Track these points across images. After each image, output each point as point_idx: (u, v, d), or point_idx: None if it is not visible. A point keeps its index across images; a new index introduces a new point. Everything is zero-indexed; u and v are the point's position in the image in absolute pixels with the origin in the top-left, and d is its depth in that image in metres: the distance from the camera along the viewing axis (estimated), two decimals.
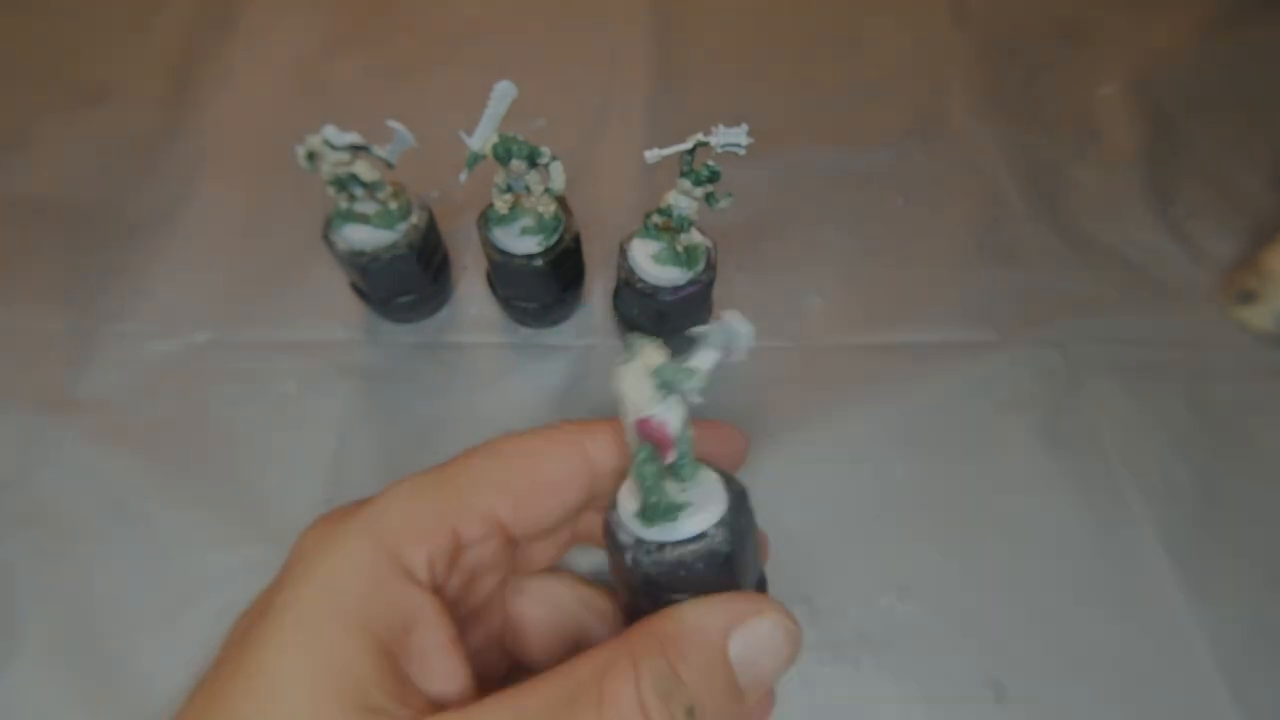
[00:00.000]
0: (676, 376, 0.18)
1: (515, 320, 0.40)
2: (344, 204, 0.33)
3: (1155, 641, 0.32)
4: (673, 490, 0.19)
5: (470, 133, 0.30)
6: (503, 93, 0.29)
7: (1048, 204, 0.46)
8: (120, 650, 0.31)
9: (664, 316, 0.35)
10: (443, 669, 0.17)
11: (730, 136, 0.28)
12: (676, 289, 0.33)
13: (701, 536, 0.19)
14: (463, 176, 0.30)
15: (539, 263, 0.34)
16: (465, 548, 0.19)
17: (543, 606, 0.23)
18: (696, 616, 0.18)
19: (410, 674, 0.17)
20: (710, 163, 0.30)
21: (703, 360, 0.19)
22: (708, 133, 0.28)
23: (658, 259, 0.33)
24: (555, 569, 0.24)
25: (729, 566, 0.19)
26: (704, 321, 0.38)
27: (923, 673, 0.31)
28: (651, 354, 0.18)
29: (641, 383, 0.18)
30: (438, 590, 0.18)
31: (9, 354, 0.38)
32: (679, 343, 0.38)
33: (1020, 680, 0.31)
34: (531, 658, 0.23)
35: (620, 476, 0.21)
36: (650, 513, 0.19)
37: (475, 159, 0.30)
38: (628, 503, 0.20)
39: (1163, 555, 0.34)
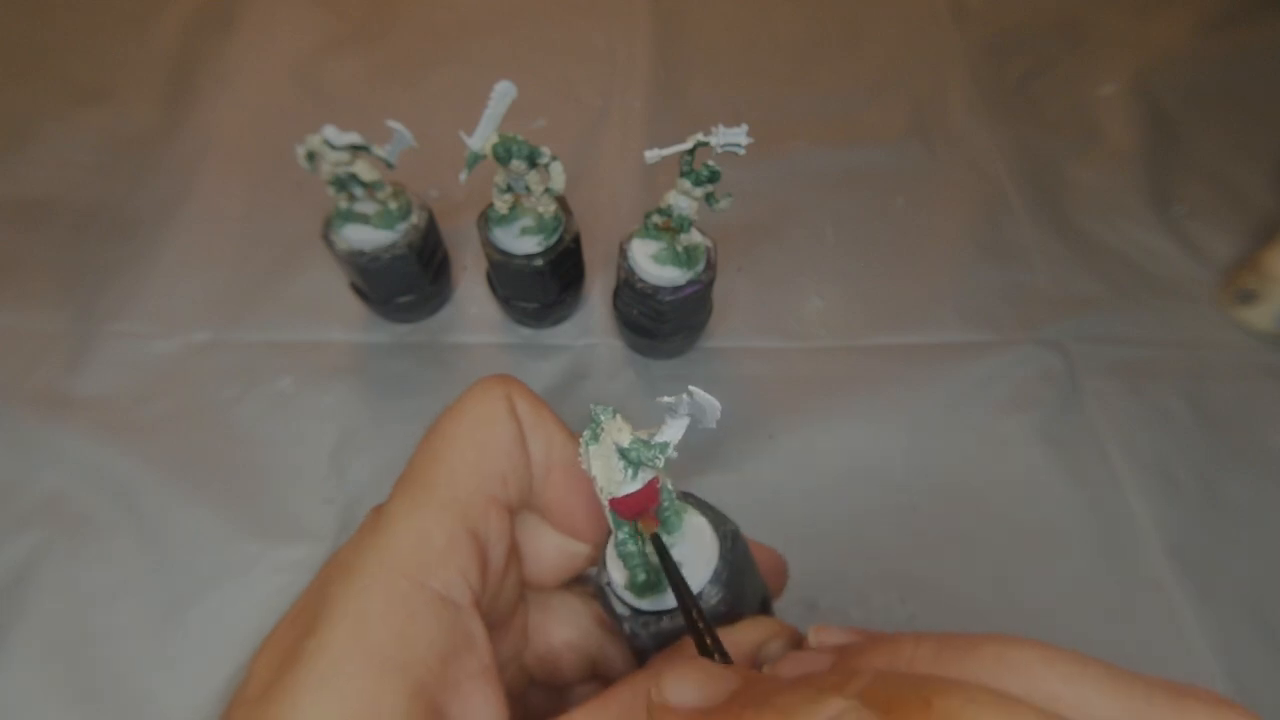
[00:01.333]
0: (646, 453, 0.17)
1: (515, 320, 0.40)
2: (344, 204, 0.33)
3: (1156, 640, 0.32)
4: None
5: (470, 133, 0.30)
6: (503, 93, 0.29)
7: (1048, 204, 0.46)
8: (119, 648, 0.31)
9: (664, 316, 0.35)
10: (480, 697, 0.16)
11: (730, 136, 0.28)
12: (676, 289, 0.33)
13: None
14: (463, 176, 0.30)
15: (539, 263, 0.34)
16: (490, 546, 0.18)
17: (568, 627, 0.22)
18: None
19: (448, 707, 0.16)
20: (710, 163, 0.30)
21: (671, 432, 0.18)
22: (708, 133, 0.28)
23: (658, 259, 0.33)
24: (572, 586, 0.23)
25: (729, 617, 0.18)
26: (704, 322, 0.38)
27: None
28: (617, 430, 0.17)
29: (610, 463, 0.17)
30: (476, 603, 0.17)
31: (9, 354, 0.38)
32: (676, 343, 0.38)
33: None
34: (560, 677, 0.22)
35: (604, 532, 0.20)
36: (640, 589, 0.18)
37: (475, 159, 0.30)
38: (616, 573, 0.19)
39: (1163, 555, 0.34)
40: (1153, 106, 0.50)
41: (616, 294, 0.37)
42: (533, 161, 0.31)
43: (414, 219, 0.35)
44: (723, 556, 0.18)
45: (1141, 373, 0.39)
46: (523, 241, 0.34)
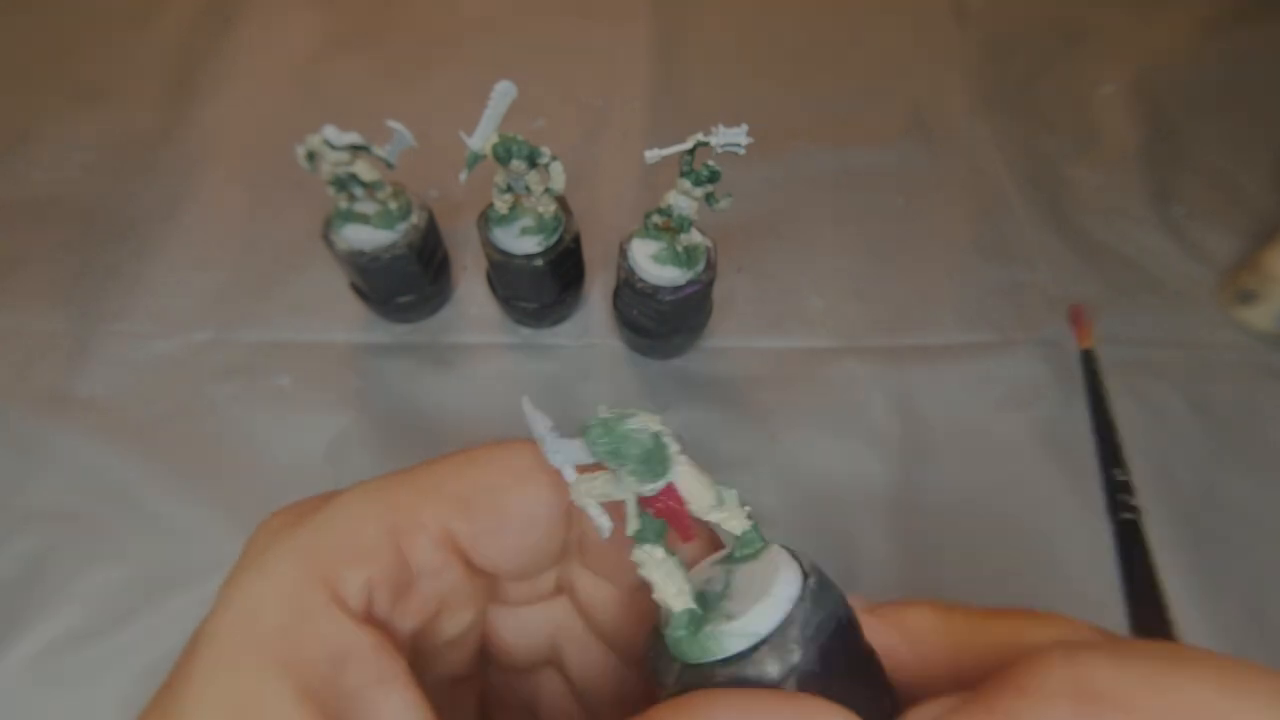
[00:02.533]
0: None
1: (515, 320, 0.40)
2: (344, 204, 0.33)
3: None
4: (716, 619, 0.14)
5: (470, 133, 0.30)
6: (503, 93, 0.29)
7: (1048, 204, 0.46)
8: (119, 649, 0.31)
9: (664, 316, 0.35)
10: (387, 704, 0.15)
11: (730, 136, 0.28)
12: (676, 289, 0.33)
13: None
14: (463, 176, 0.30)
15: (539, 263, 0.34)
16: (417, 574, 0.16)
17: (522, 638, 0.20)
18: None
19: (347, 714, 0.14)
20: (710, 163, 0.30)
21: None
22: (708, 133, 0.28)
23: (658, 259, 0.33)
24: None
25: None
26: (704, 322, 0.38)
27: None
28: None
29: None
30: (380, 621, 0.16)
31: (9, 354, 0.38)
32: (676, 343, 0.38)
33: None
34: (516, 663, 0.20)
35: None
36: (685, 630, 0.14)
37: (475, 159, 0.30)
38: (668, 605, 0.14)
39: (1162, 554, 0.34)
40: (1153, 106, 0.50)
41: (616, 294, 0.37)
42: (533, 161, 0.31)
43: (414, 219, 0.35)
44: (806, 598, 0.13)
45: (1141, 373, 0.39)
46: (523, 241, 0.34)
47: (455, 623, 0.18)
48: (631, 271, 0.34)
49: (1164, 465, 0.36)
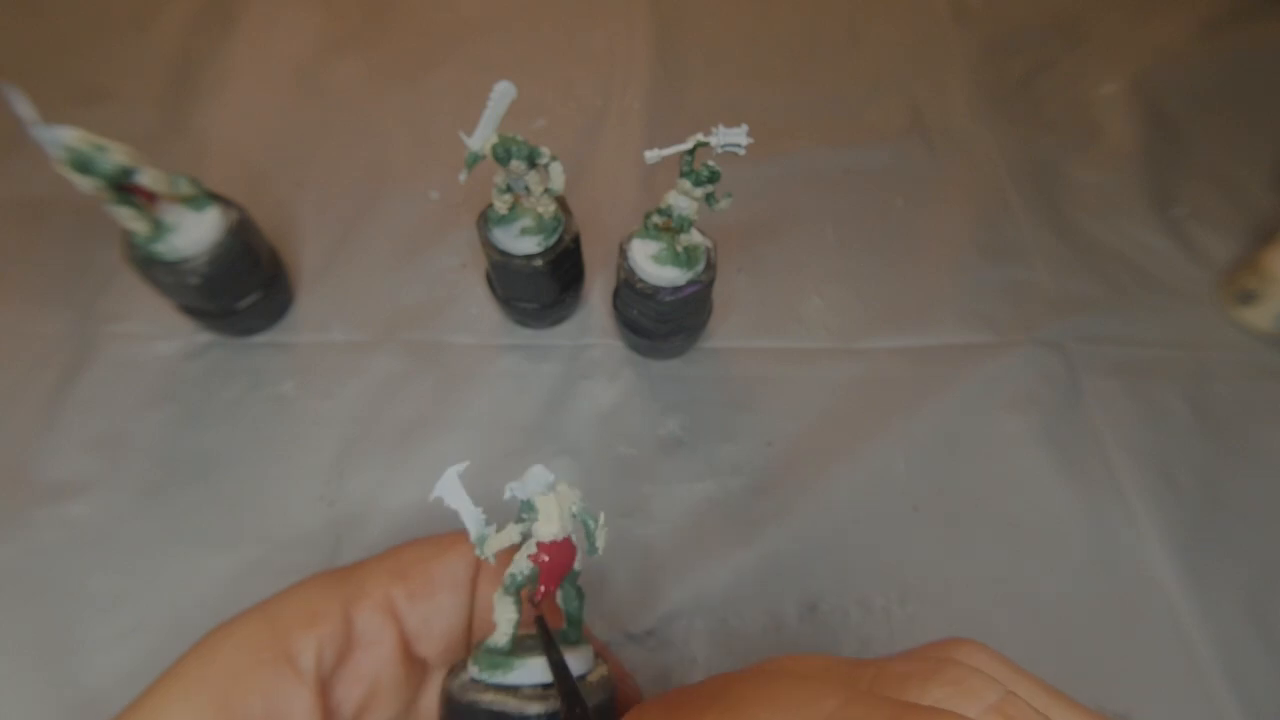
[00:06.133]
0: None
1: (515, 320, 0.40)
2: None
3: (1155, 640, 0.32)
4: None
5: (470, 133, 0.30)
6: (502, 93, 0.29)
7: (1048, 204, 0.46)
8: (118, 650, 0.31)
9: (664, 317, 0.35)
10: None
11: (730, 136, 0.28)
12: (676, 289, 0.33)
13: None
14: (462, 176, 0.30)
15: (539, 263, 0.34)
16: (359, 642, 0.19)
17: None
18: None
19: None
20: (710, 163, 0.30)
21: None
22: (708, 133, 0.28)
23: (658, 259, 0.33)
24: None
25: None
26: (704, 322, 0.38)
27: None
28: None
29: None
30: (322, 686, 0.17)
31: (9, 354, 0.38)
32: (676, 343, 0.38)
33: None
34: None
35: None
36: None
37: (475, 159, 0.30)
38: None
39: (1163, 554, 0.34)
40: (1153, 106, 0.50)
41: (616, 294, 0.37)
42: (532, 161, 0.31)
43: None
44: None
45: (1141, 373, 0.39)
46: (522, 242, 0.34)
47: (386, 709, 0.20)
48: (631, 272, 0.34)
49: (1164, 465, 0.36)
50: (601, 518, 0.19)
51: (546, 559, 0.18)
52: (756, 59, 0.53)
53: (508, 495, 0.18)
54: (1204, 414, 0.38)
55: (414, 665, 0.20)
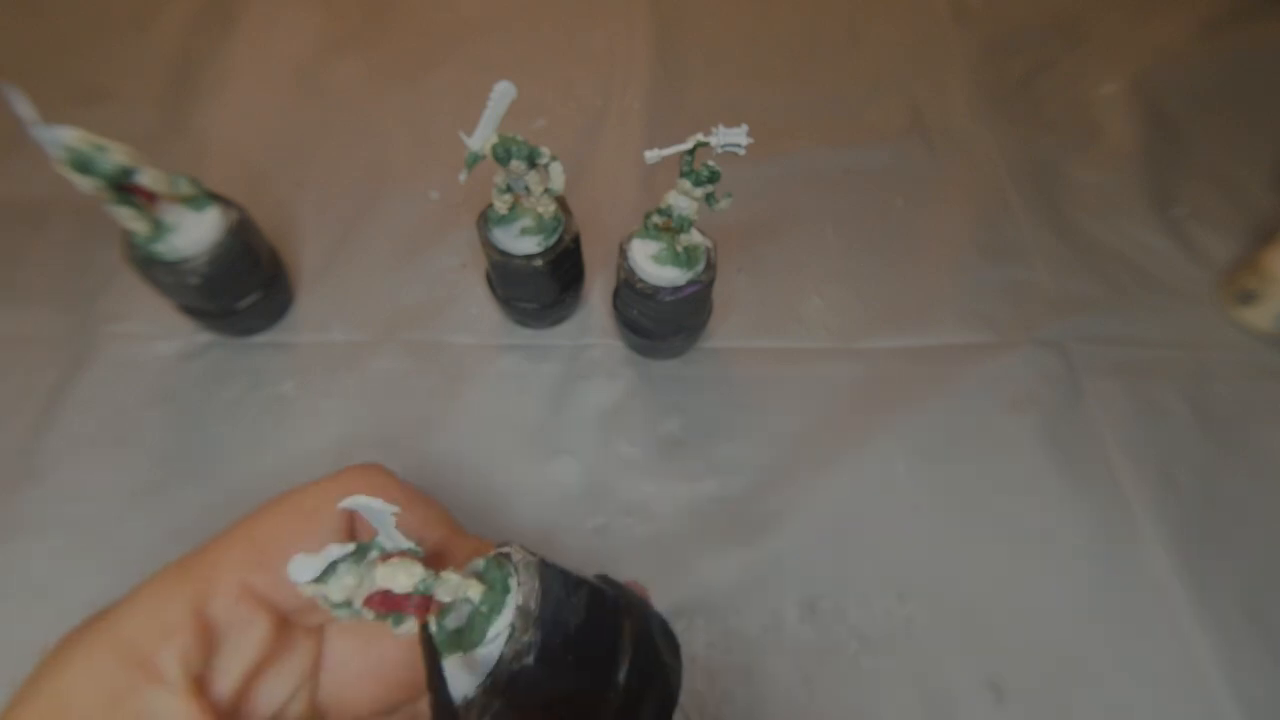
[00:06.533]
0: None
1: (515, 320, 0.40)
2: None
3: (1155, 641, 0.32)
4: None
5: (470, 133, 0.30)
6: (502, 93, 0.29)
7: (1048, 204, 0.46)
8: None
9: (664, 317, 0.35)
10: None
11: (730, 136, 0.28)
12: (676, 289, 0.33)
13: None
14: (462, 176, 0.30)
15: (539, 263, 0.34)
16: (226, 633, 0.17)
17: (353, 641, 0.20)
18: None
19: None
20: (710, 163, 0.30)
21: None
22: (708, 133, 0.28)
23: (658, 259, 0.33)
24: None
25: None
26: (704, 322, 0.38)
27: (922, 673, 0.31)
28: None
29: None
30: (198, 684, 0.16)
31: (9, 354, 0.38)
32: (677, 343, 0.38)
33: (1020, 680, 0.31)
34: (351, 709, 0.20)
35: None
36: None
37: (475, 159, 0.30)
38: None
39: (1163, 554, 0.34)
40: (1153, 106, 0.50)
41: (616, 294, 0.37)
42: (532, 162, 0.31)
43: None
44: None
45: (1141, 373, 0.39)
46: (522, 242, 0.34)
47: (282, 685, 0.19)
48: (631, 272, 0.34)
49: (1164, 465, 0.36)
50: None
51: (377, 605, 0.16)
52: (756, 59, 0.53)
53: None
54: (1204, 414, 0.38)
55: (305, 631, 0.19)
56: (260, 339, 0.39)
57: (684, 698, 0.21)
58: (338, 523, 0.19)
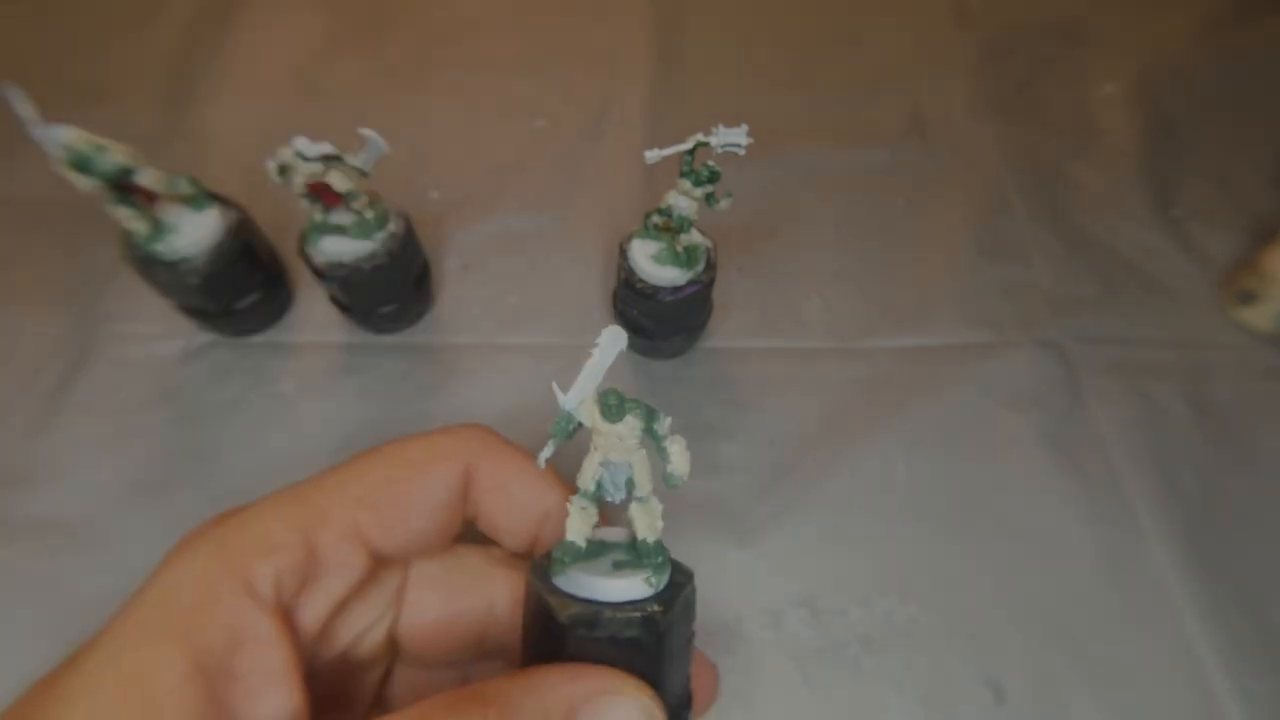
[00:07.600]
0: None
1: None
2: (319, 216, 0.33)
3: (1156, 641, 0.32)
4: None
5: (564, 389, 0.21)
6: (613, 339, 0.20)
7: (1048, 204, 0.46)
8: None
9: (664, 317, 0.35)
10: (270, 695, 0.16)
11: (730, 136, 0.28)
12: (676, 289, 0.33)
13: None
14: (547, 452, 0.21)
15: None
16: (324, 567, 0.18)
17: (448, 604, 0.21)
18: (542, 685, 0.16)
19: (229, 696, 0.15)
20: (710, 163, 0.30)
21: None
22: (708, 133, 0.28)
23: (658, 259, 0.33)
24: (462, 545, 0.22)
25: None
26: (704, 322, 0.38)
27: (923, 674, 0.31)
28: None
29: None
30: (284, 611, 0.17)
31: (9, 354, 0.38)
32: (677, 343, 0.38)
33: (1019, 681, 0.31)
34: (436, 655, 0.21)
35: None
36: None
37: (569, 425, 0.21)
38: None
39: (1163, 554, 0.34)
40: (1153, 106, 0.50)
41: (616, 294, 0.37)
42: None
43: (391, 227, 0.35)
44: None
45: (1141, 373, 0.39)
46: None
47: (363, 616, 0.19)
48: (631, 272, 0.34)
49: (1164, 465, 0.36)
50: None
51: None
52: (757, 59, 0.53)
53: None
54: (1204, 414, 0.38)
55: (393, 572, 0.20)
56: (260, 339, 0.39)
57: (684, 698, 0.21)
58: (449, 478, 0.20)
